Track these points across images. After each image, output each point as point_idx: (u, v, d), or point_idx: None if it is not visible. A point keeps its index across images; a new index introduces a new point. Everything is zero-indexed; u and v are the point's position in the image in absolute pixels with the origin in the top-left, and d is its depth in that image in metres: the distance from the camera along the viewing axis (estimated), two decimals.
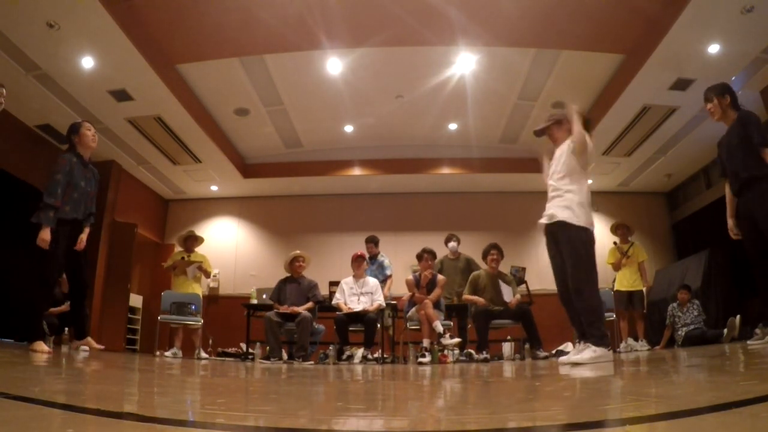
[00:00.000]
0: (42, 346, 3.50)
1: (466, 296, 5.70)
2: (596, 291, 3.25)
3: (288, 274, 5.98)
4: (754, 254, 3.37)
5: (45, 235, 3.51)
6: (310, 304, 5.61)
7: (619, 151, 7.68)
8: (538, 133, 3.63)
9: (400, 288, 6.65)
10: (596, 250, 3.34)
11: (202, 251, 7.06)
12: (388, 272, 6.49)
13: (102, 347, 3.98)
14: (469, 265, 6.61)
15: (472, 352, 5.50)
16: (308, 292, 5.75)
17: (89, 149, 3.95)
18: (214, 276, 8.81)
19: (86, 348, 3.92)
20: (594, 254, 3.25)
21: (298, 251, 6.07)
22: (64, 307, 5.13)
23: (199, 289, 6.76)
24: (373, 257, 6.54)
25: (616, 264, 6.55)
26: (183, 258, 6.72)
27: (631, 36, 5.63)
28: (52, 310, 5.56)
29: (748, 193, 3.39)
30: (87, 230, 3.93)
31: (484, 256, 5.84)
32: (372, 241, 6.57)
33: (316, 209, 9.32)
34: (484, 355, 5.25)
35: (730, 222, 3.61)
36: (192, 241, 6.84)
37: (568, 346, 6.52)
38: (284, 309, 5.53)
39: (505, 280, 5.79)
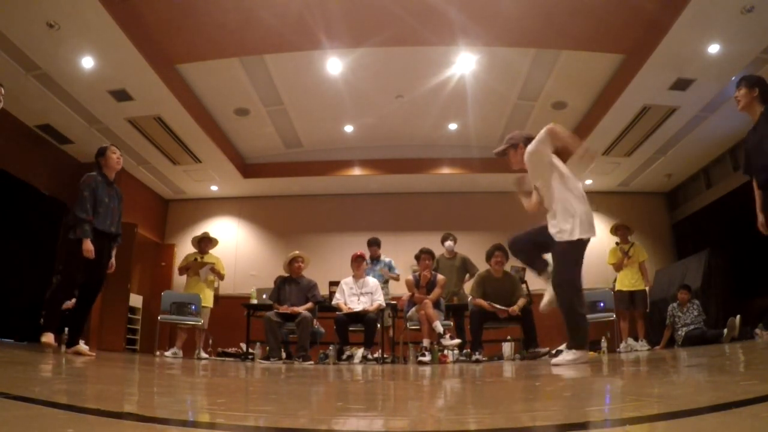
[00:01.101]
0: (50, 338, 3.72)
1: (480, 301, 5.42)
2: None
3: (287, 274, 5.98)
4: None
5: (88, 245, 3.87)
6: (309, 305, 5.61)
7: (619, 151, 7.68)
8: (499, 154, 3.64)
9: (399, 288, 6.66)
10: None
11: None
12: (397, 272, 6.55)
13: (93, 354, 4.09)
14: (465, 265, 6.62)
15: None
16: (308, 292, 5.76)
17: (114, 170, 4.26)
18: None
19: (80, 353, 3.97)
20: None
21: (297, 251, 6.07)
22: (70, 303, 5.12)
23: (210, 292, 6.75)
24: (376, 258, 6.56)
25: (617, 264, 6.55)
26: (196, 259, 6.73)
27: (631, 36, 5.63)
28: None
29: None
30: (114, 252, 4.24)
31: (488, 258, 5.65)
32: (375, 244, 6.59)
33: (316, 209, 9.32)
34: (477, 356, 5.23)
35: (760, 217, 3.52)
36: (206, 242, 6.85)
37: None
38: (284, 309, 5.53)
39: (511, 282, 5.64)
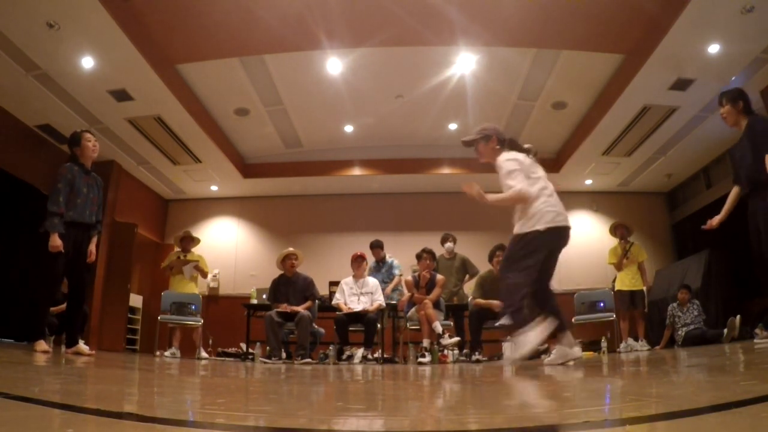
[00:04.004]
0: (43, 345, 3.62)
1: (479, 301, 5.40)
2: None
3: (281, 272, 5.91)
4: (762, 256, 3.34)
5: (54, 241, 3.74)
6: (309, 303, 5.58)
7: (619, 151, 7.68)
8: (467, 144, 3.56)
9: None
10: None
11: (201, 252, 7.07)
12: (396, 272, 6.52)
13: (93, 353, 4.08)
14: (464, 265, 6.62)
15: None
16: (305, 291, 5.72)
17: (90, 159, 4.13)
18: (214, 276, 8.82)
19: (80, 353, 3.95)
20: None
21: (290, 248, 5.97)
22: (61, 307, 5.14)
23: (195, 289, 6.78)
24: (381, 261, 6.55)
25: (617, 264, 6.56)
26: (179, 257, 6.75)
27: (631, 36, 5.63)
28: (52, 309, 5.55)
29: (757, 199, 3.37)
30: (95, 240, 4.12)
31: (490, 258, 5.65)
32: (377, 246, 6.57)
33: (316, 209, 9.32)
34: (476, 356, 5.24)
35: (722, 215, 3.61)
36: (188, 241, 6.87)
37: None
38: (284, 308, 5.49)
39: None
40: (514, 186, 3.13)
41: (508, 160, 3.23)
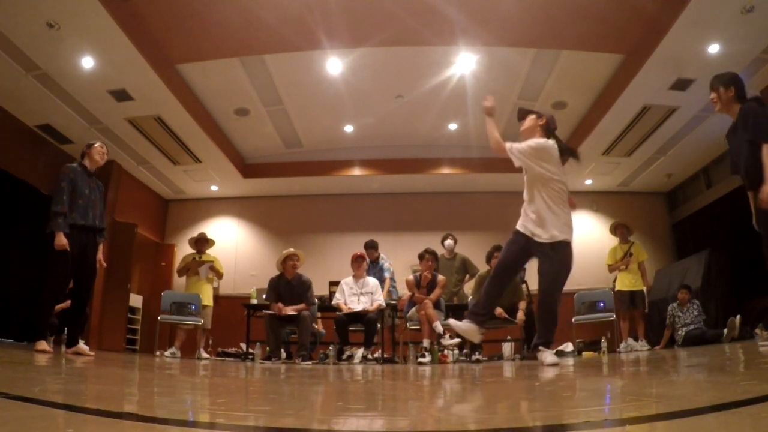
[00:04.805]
0: (44, 345, 3.64)
1: None
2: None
3: (280, 272, 5.83)
4: None
5: (60, 240, 3.79)
6: (302, 306, 5.52)
7: (619, 151, 7.68)
8: (523, 112, 3.65)
9: (400, 289, 6.64)
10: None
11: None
12: (385, 275, 6.47)
13: (92, 353, 4.10)
14: (465, 265, 6.62)
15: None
16: (302, 294, 5.62)
17: (95, 163, 4.23)
18: None
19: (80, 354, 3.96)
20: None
21: (291, 249, 5.89)
22: (64, 304, 5.15)
23: (210, 290, 6.82)
24: (375, 261, 6.53)
25: (613, 266, 6.57)
26: (194, 258, 6.78)
27: (631, 36, 5.63)
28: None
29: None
30: (101, 247, 4.19)
31: (489, 259, 5.62)
32: (371, 247, 6.54)
33: (316, 209, 9.32)
34: (477, 356, 5.23)
35: (755, 217, 3.52)
36: (203, 243, 6.93)
37: (568, 346, 6.53)
38: (277, 310, 5.44)
39: (512, 283, 5.56)
40: (510, 145, 3.35)
41: (541, 142, 3.40)
